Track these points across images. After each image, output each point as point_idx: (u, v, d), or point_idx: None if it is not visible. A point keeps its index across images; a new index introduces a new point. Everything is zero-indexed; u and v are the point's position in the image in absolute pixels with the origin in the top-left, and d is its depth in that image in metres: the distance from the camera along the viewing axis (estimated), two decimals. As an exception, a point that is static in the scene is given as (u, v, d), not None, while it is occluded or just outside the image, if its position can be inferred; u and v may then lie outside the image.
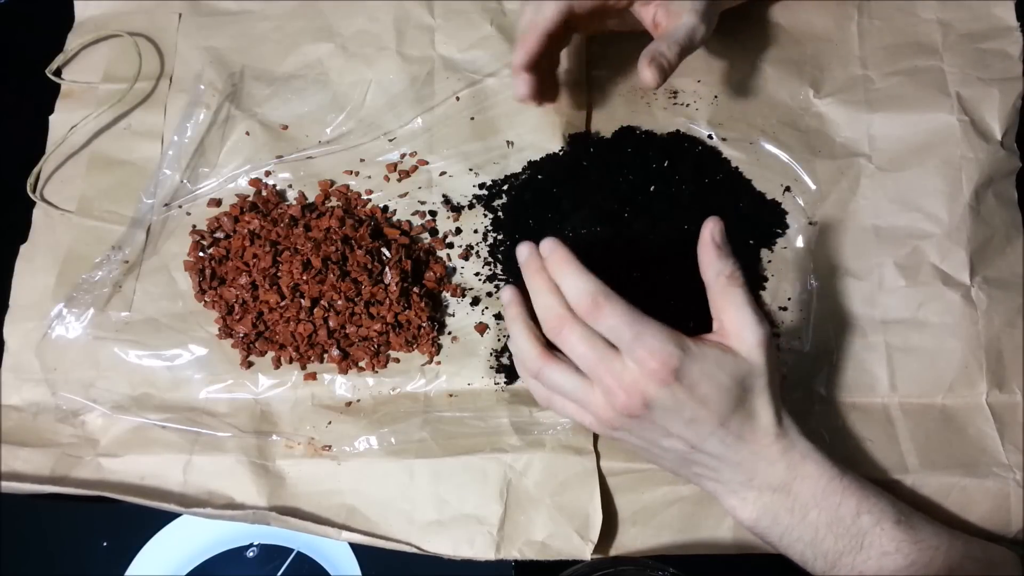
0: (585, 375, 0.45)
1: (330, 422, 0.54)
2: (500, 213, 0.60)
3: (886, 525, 0.45)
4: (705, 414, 0.44)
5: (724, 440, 0.45)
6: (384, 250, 0.56)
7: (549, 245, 0.45)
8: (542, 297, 0.45)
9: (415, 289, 0.56)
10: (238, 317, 0.55)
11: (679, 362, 0.42)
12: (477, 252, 0.59)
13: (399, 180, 0.61)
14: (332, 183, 0.61)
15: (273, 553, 0.53)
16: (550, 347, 0.46)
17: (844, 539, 0.45)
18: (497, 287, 0.58)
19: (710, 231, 0.45)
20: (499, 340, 0.56)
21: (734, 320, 0.44)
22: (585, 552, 0.50)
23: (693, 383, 0.43)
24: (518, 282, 0.57)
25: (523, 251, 0.47)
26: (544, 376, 0.46)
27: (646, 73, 0.51)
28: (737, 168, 0.60)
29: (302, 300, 0.54)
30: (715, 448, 0.45)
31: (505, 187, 0.61)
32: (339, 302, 0.54)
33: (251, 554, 0.53)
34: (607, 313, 0.43)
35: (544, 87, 0.57)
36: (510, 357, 0.56)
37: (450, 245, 0.59)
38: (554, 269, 0.45)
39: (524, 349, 0.47)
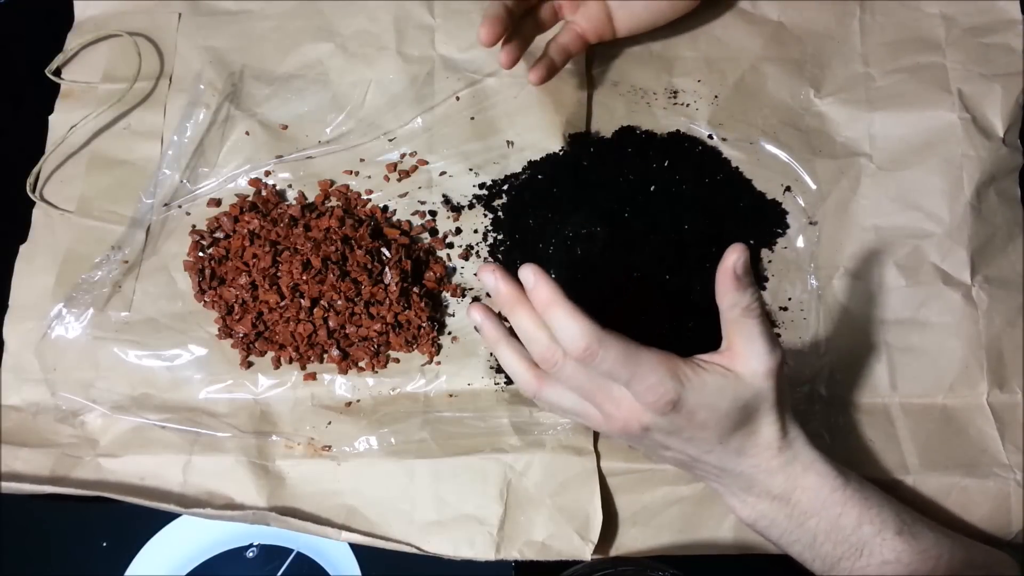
0: None
1: (330, 422, 0.54)
2: (500, 213, 0.60)
3: (887, 535, 0.44)
4: (704, 435, 0.44)
5: (723, 456, 0.45)
6: (384, 250, 0.56)
7: (532, 277, 0.42)
8: (532, 332, 0.44)
9: (415, 289, 0.56)
10: (238, 317, 0.55)
11: (676, 395, 0.42)
12: (477, 252, 0.59)
13: (399, 180, 0.61)
14: (332, 183, 0.61)
15: (273, 553, 0.53)
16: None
17: (843, 546, 0.44)
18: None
19: (733, 262, 0.42)
20: (499, 340, 0.56)
21: (744, 348, 0.44)
22: (585, 552, 0.50)
23: (692, 411, 0.43)
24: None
25: (500, 284, 0.44)
26: (543, 398, 0.46)
27: (530, 76, 0.58)
28: (737, 168, 0.60)
29: (302, 300, 0.54)
30: (715, 460, 0.45)
31: (505, 187, 0.60)
32: (339, 302, 0.54)
33: (251, 554, 0.53)
34: (601, 358, 0.41)
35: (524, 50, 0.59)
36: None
37: (450, 245, 0.59)
38: (542, 307, 0.43)
39: (518, 374, 0.46)
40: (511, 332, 0.46)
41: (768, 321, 0.44)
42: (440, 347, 0.56)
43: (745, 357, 0.43)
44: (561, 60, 0.60)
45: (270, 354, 0.56)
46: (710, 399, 0.43)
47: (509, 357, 0.46)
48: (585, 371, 0.43)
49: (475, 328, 0.49)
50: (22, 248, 0.59)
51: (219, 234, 0.59)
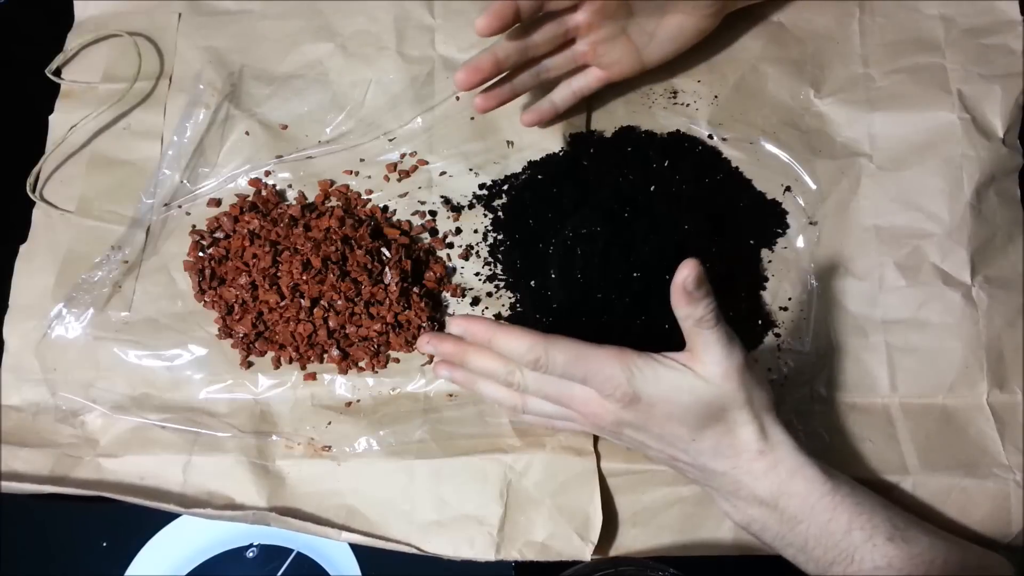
0: None
1: (330, 422, 0.54)
2: (500, 213, 0.60)
3: (878, 541, 0.44)
4: (672, 430, 0.45)
5: (700, 454, 0.46)
6: (384, 250, 0.56)
7: (460, 325, 0.47)
8: (489, 365, 0.47)
9: (415, 289, 0.56)
10: (238, 317, 0.55)
11: (630, 387, 0.44)
12: (477, 252, 0.59)
13: (399, 180, 0.61)
14: (332, 183, 0.61)
15: (273, 553, 0.53)
16: None
17: (833, 552, 0.44)
18: (497, 287, 0.58)
19: (683, 278, 0.42)
20: (499, 340, 0.56)
21: (701, 353, 0.44)
22: (585, 553, 0.50)
23: (651, 403, 0.44)
24: (517, 285, 0.58)
25: (440, 346, 0.49)
26: (529, 410, 0.49)
27: (523, 117, 0.60)
28: (737, 168, 0.60)
29: (302, 300, 0.54)
30: (694, 460, 0.46)
31: (505, 187, 0.60)
32: (339, 302, 0.54)
33: (251, 554, 0.53)
34: (552, 361, 0.44)
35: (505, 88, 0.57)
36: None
37: (450, 245, 0.59)
38: (485, 343, 0.47)
39: (502, 399, 0.49)
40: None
41: (724, 327, 0.44)
42: (440, 347, 0.56)
43: (703, 361, 0.44)
44: (565, 106, 0.60)
45: (270, 354, 0.56)
46: (667, 391, 0.44)
47: (488, 388, 0.49)
48: (545, 378, 0.46)
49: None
50: (22, 248, 0.59)
51: (219, 234, 0.59)
